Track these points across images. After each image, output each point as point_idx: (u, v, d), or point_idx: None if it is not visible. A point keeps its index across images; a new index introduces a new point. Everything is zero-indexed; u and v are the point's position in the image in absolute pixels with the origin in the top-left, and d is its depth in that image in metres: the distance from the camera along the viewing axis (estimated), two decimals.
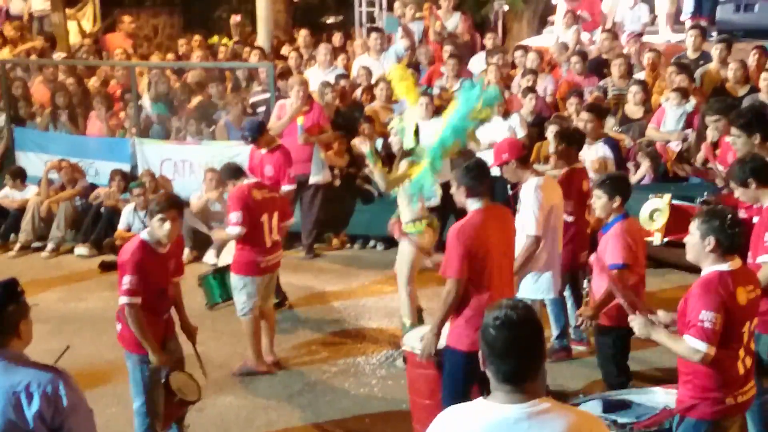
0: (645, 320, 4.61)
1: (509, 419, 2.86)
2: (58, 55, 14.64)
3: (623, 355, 5.93)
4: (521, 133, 9.58)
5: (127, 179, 10.97)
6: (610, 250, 5.71)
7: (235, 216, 7.05)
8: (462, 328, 5.37)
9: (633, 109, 10.13)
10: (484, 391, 5.16)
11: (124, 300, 5.59)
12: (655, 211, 6.67)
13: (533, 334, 2.92)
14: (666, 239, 6.87)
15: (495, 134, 9.23)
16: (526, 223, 6.29)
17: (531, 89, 10.38)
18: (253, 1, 14.51)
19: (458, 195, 5.56)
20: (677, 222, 6.53)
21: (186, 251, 10.33)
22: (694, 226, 4.46)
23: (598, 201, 5.86)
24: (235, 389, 7.09)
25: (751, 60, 10.43)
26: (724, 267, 4.39)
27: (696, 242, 4.44)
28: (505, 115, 9.69)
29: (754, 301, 4.46)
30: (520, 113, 9.93)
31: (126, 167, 11.38)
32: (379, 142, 10.62)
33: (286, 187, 8.62)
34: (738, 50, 11.07)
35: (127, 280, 5.56)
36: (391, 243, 10.03)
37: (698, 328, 4.27)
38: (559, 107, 10.72)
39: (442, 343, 5.52)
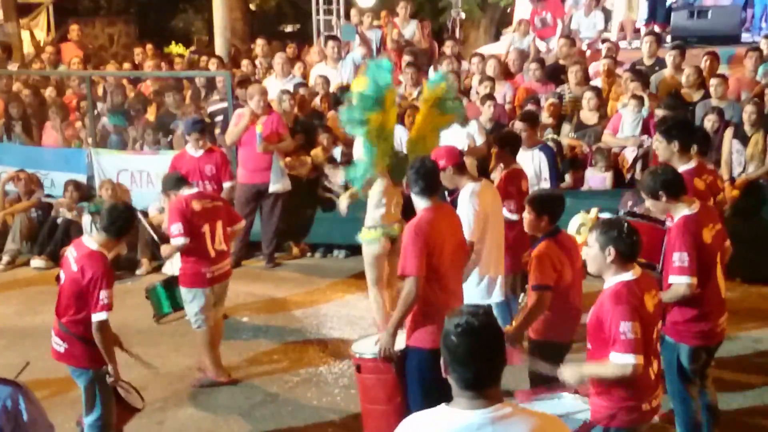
0: (571, 367, 4.67)
1: (473, 425, 2.87)
2: (13, 66, 14.44)
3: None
4: (480, 140, 9.63)
5: (81, 190, 10.83)
6: (533, 270, 5.57)
7: (175, 228, 6.97)
8: (424, 327, 5.38)
9: (588, 115, 10.24)
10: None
11: (103, 316, 5.49)
12: (581, 226, 6.71)
13: (495, 340, 2.94)
14: None
15: (454, 141, 9.24)
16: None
17: (489, 96, 10.42)
18: (210, 9, 14.45)
19: (411, 193, 5.66)
20: None
21: (145, 262, 10.28)
22: (593, 239, 4.52)
23: (527, 216, 5.68)
24: (195, 401, 7.02)
25: (703, 66, 10.60)
26: (628, 276, 4.44)
27: (596, 254, 4.50)
28: (464, 122, 9.71)
29: (657, 307, 4.57)
30: (478, 120, 9.97)
31: (82, 178, 11.24)
32: (338, 150, 10.62)
33: (227, 184, 8.65)
34: (692, 56, 11.24)
35: (105, 295, 5.48)
36: (352, 251, 10.06)
37: (622, 342, 4.29)
38: (516, 114, 10.79)
39: (399, 346, 5.52)
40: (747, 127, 9.27)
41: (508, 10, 16.06)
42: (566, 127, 10.34)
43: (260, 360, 7.76)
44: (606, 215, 6.64)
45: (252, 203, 10.24)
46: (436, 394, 5.41)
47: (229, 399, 7.04)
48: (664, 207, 5.41)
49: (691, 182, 5.83)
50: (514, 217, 7.01)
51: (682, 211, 5.32)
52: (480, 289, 6.67)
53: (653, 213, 5.71)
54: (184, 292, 7.16)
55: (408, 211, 7.06)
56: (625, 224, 4.52)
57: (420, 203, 5.55)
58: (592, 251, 4.52)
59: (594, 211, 6.85)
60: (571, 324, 5.80)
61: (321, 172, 10.58)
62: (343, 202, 8.24)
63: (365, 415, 6.02)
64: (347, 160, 10.23)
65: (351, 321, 8.50)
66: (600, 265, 4.51)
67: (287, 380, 7.33)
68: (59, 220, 10.75)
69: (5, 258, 10.72)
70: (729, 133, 9.38)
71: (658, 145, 6.24)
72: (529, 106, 10.23)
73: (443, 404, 2.99)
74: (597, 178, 9.72)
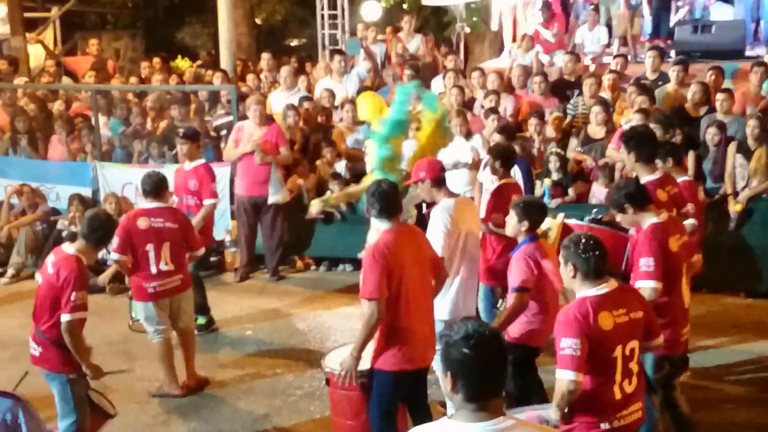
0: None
1: None
2: (20, 80, 14.50)
3: (521, 372, 5.89)
4: (484, 154, 9.63)
5: (86, 204, 10.88)
6: (512, 272, 5.79)
7: (115, 242, 7.04)
8: (386, 349, 5.43)
9: (595, 129, 10.22)
10: (412, 410, 5.20)
11: (72, 316, 5.56)
12: (548, 230, 6.77)
13: (503, 350, 3.00)
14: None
15: (458, 155, 9.30)
16: (432, 244, 6.27)
17: (494, 110, 10.45)
18: (216, 24, 14.50)
19: (368, 215, 5.74)
20: None
21: None
22: (561, 256, 4.52)
23: (510, 221, 5.97)
24: (198, 414, 7.02)
25: (708, 81, 10.61)
26: (590, 292, 4.39)
27: (562, 269, 4.53)
28: (468, 135, 9.74)
29: (625, 325, 4.38)
30: (482, 134, 9.98)
31: (87, 191, 11.29)
32: (342, 164, 10.63)
33: (208, 201, 8.54)
34: (695, 71, 11.26)
35: (77, 296, 5.56)
36: (357, 264, 10.05)
37: (561, 358, 4.27)
38: (522, 128, 10.81)
39: (365, 364, 5.56)
40: (750, 142, 9.27)
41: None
42: (573, 142, 10.34)
43: (264, 373, 7.76)
44: (572, 221, 6.72)
45: (252, 216, 10.28)
46: (393, 417, 5.54)
47: (233, 412, 7.04)
48: (631, 219, 5.48)
49: (653, 193, 5.93)
50: (501, 231, 6.98)
51: (650, 219, 5.40)
52: (445, 303, 6.44)
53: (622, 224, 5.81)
54: (136, 304, 7.35)
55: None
56: (586, 240, 4.46)
57: (380, 225, 5.57)
58: (561, 268, 4.55)
59: (560, 216, 6.94)
60: (546, 329, 5.90)
61: (325, 184, 10.59)
62: (314, 207, 8.21)
63: (335, 427, 6.11)
64: (352, 174, 10.25)
65: (355, 334, 8.46)
66: (568, 281, 4.53)
67: (291, 393, 7.33)
68: (64, 234, 10.78)
69: (10, 271, 10.76)
70: (732, 147, 9.39)
71: (623, 155, 6.41)
72: (532, 120, 10.27)
73: (445, 418, 3.01)
74: (603, 192, 9.71)
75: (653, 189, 5.99)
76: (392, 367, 5.42)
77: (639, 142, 6.22)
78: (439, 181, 6.45)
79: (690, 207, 6.73)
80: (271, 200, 10.17)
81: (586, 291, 4.41)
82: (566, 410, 4.38)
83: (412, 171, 6.52)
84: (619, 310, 4.39)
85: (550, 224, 6.77)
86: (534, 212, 5.94)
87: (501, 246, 6.98)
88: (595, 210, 7.43)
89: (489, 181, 8.03)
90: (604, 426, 4.40)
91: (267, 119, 10.27)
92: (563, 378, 4.27)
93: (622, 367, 4.37)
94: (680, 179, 6.82)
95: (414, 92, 7.97)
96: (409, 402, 5.71)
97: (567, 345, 4.24)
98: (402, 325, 5.37)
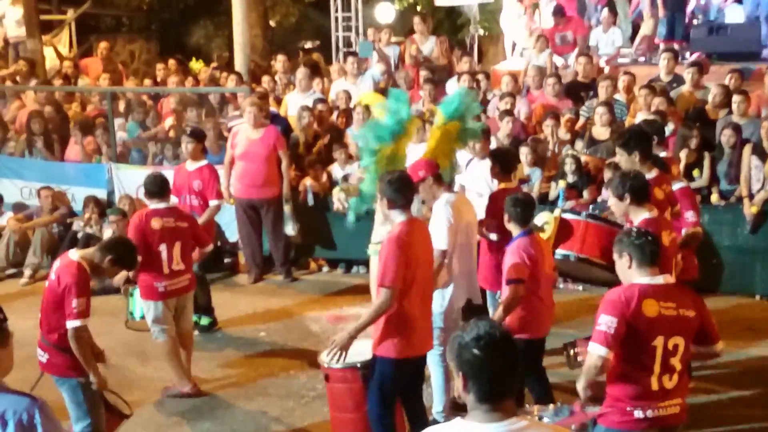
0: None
1: None
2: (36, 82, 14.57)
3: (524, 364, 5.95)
4: None
5: (101, 206, 10.92)
6: (506, 265, 5.96)
7: None
8: (391, 337, 5.56)
9: (600, 130, 10.17)
10: (407, 399, 5.06)
11: (77, 323, 5.59)
12: (545, 224, 6.82)
13: (514, 351, 3.00)
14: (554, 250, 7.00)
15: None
16: (435, 238, 6.32)
17: (508, 112, 10.43)
18: (230, 26, 14.54)
19: (382, 206, 5.82)
20: (564, 234, 6.75)
21: None
22: (615, 250, 4.61)
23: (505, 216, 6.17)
24: (212, 415, 7.05)
25: (728, 83, 10.56)
26: (644, 280, 4.47)
27: (619, 263, 4.59)
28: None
29: (672, 319, 4.40)
30: (497, 136, 9.96)
31: (102, 193, 11.34)
32: (354, 166, 10.61)
33: (213, 202, 8.61)
34: (711, 72, 11.21)
35: (77, 303, 5.58)
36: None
37: (595, 332, 4.39)
38: (536, 130, 10.80)
39: (367, 356, 5.71)
40: (766, 144, 9.23)
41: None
42: (578, 144, 10.30)
43: (277, 374, 7.78)
44: (568, 216, 6.76)
45: (252, 218, 10.24)
46: (393, 404, 5.65)
47: (246, 413, 7.06)
48: (625, 209, 5.58)
49: (652, 191, 6.01)
50: (494, 236, 6.98)
51: (643, 214, 5.48)
52: (442, 296, 6.56)
53: (612, 215, 5.87)
54: (143, 303, 7.32)
55: None
56: (637, 230, 4.64)
57: (396, 216, 5.67)
58: (617, 263, 4.62)
59: (557, 210, 6.98)
60: (544, 320, 6.13)
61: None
62: (338, 196, 8.17)
63: (334, 423, 6.17)
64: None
65: (368, 335, 8.47)
66: (624, 273, 4.58)
67: (303, 395, 7.34)
68: (79, 235, 10.83)
69: (26, 272, 10.81)
70: (748, 149, 9.34)
71: (620, 158, 6.46)
72: (548, 121, 10.24)
73: (458, 418, 3.01)
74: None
75: (650, 188, 6.05)
76: (396, 354, 5.56)
77: (640, 140, 6.32)
78: (439, 178, 6.59)
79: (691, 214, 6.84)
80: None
81: (639, 279, 4.48)
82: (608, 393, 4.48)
83: (410, 173, 6.51)
84: (668, 302, 4.44)
85: (547, 218, 6.81)
86: (516, 207, 6.10)
87: (497, 253, 6.92)
88: (592, 206, 7.42)
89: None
90: (638, 414, 4.44)
91: (263, 121, 10.16)
92: (593, 352, 4.37)
93: (662, 359, 4.41)
94: (676, 186, 6.85)
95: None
96: (406, 390, 5.83)
97: (603, 321, 4.36)
98: (409, 313, 5.53)
